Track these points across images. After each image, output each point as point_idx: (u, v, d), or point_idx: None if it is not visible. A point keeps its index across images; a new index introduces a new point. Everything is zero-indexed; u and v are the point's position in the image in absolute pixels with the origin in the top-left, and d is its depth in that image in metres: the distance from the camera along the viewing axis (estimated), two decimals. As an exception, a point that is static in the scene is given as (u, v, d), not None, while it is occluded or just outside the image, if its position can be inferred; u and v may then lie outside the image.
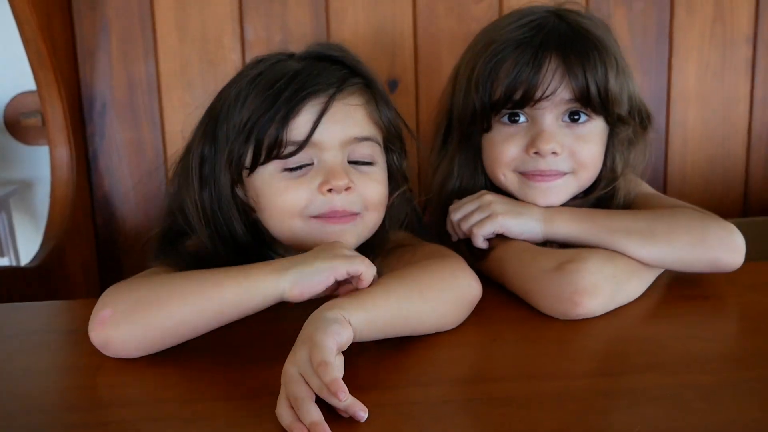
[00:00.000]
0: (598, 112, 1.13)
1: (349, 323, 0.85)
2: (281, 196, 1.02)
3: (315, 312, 0.86)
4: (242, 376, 0.89)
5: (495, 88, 1.12)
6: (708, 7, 1.64)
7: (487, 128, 1.15)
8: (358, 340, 0.87)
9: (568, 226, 1.10)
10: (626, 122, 1.16)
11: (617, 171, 1.18)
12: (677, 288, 1.11)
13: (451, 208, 1.17)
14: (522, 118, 1.13)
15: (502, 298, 1.08)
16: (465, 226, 1.14)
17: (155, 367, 0.92)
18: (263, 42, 1.59)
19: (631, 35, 1.61)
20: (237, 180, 1.05)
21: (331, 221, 1.02)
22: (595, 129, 1.14)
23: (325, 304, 0.88)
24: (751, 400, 0.81)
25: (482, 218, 1.12)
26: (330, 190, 1.00)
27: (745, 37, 1.65)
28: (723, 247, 1.06)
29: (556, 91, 1.10)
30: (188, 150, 1.08)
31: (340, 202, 1.01)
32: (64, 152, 1.51)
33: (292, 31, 1.59)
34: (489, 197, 1.14)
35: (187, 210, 1.06)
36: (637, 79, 1.24)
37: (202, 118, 1.09)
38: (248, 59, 1.58)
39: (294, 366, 0.80)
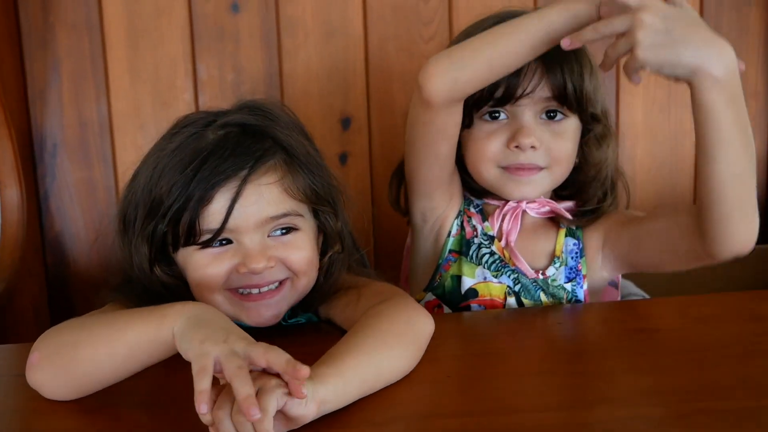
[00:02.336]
0: (573, 110, 1.19)
1: (318, 401, 0.82)
2: (200, 271, 1.02)
3: None
4: (191, 424, 0.87)
5: None
6: (653, 45, 1.67)
7: (469, 124, 1.20)
8: (332, 409, 0.85)
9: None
10: (599, 120, 1.22)
11: (601, 166, 1.24)
12: (627, 321, 1.12)
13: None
14: (502, 116, 1.19)
15: (455, 333, 1.09)
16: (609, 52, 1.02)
17: (102, 410, 0.91)
18: (216, 81, 1.59)
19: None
20: (159, 257, 1.04)
21: (250, 299, 1.04)
22: (570, 126, 1.20)
23: None
24: None
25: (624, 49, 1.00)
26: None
27: (690, 73, 1.69)
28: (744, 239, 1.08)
29: (536, 90, 1.16)
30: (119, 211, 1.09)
31: (258, 278, 1.02)
32: (14, 193, 1.49)
33: (244, 70, 1.60)
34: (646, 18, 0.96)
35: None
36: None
37: (129, 181, 1.08)
38: (201, 99, 1.59)
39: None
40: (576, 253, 1.26)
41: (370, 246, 1.66)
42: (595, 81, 1.20)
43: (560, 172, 1.22)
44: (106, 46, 1.57)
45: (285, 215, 1.03)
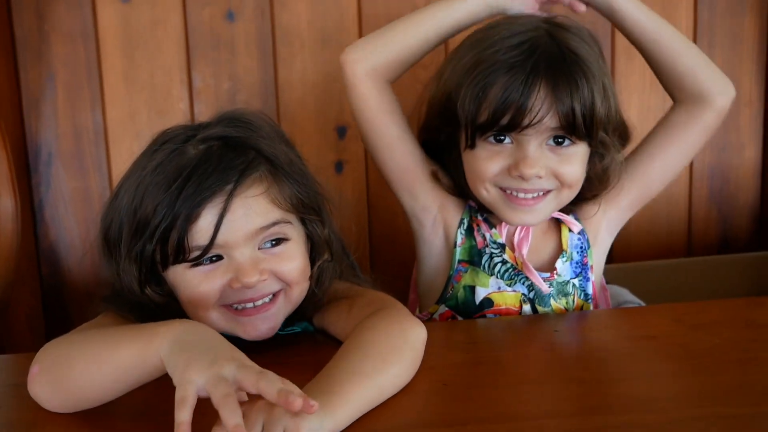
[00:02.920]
0: (582, 138, 1.14)
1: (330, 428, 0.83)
2: (193, 289, 1.01)
3: None
4: None
5: (482, 110, 1.13)
6: (648, 53, 1.68)
7: (472, 146, 1.16)
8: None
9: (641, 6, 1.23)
10: (607, 147, 1.19)
11: (607, 180, 1.23)
12: (624, 328, 1.12)
13: None
14: (507, 140, 1.15)
15: (451, 341, 1.09)
16: None
17: (98, 420, 0.90)
18: (211, 90, 1.59)
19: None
20: (149, 277, 1.02)
21: (245, 314, 1.03)
22: (578, 151, 1.16)
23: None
24: (697, 438, 0.83)
25: None
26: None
27: (684, 81, 1.70)
28: (717, 81, 1.24)
29: (543, 120, 1.11)
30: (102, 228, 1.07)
31: (253, 292, 1.01)
32: (9, 203, 1.49)
33: (240, 79, 1.60)
34: None
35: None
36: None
37: (109, 201, 1.06)
38: (196, 108, 1.59)
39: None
40: (581, 247, 1.26)
41: (366, 253, 1.67)
42: (608, 102, 1.16)
43: (568, 195, 1.18)
44: (101, 55, 1.57)
45: (274, 224, 1.02)
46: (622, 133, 1.23)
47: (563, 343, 1.11)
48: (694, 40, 1.68)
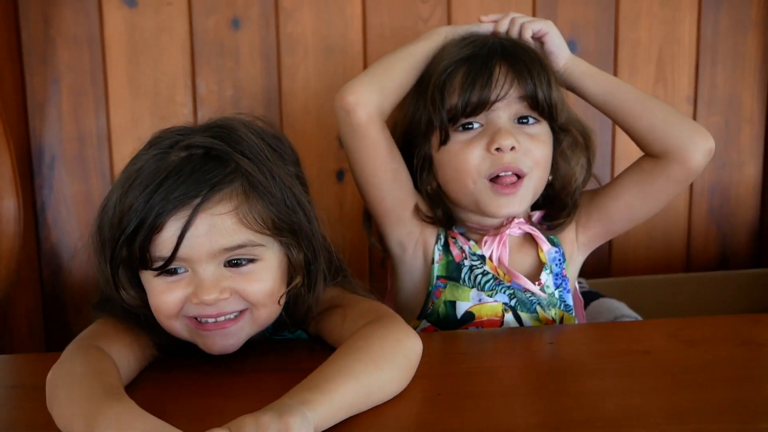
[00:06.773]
0: (544, 114, 1.21)
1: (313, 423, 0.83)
2: (157, 297, 1.00)
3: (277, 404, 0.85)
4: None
5: (450, 97, 1.19)
6: (650, 68, 1.69)
7: (445, 140, 1.21)
8: (322, 429, 0.86)
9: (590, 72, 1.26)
10: (567, 130, 1.25)
11: (570, 179, 1.26)
12: (618, 342, 1.13)
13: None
14: (476, 125, 1.20)
15: (445, 352, 1.09)
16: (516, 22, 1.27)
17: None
18: (215, 97, 1.60)
19: (575, 95, 1.65)
20: (127, 279, 1.02)
21: (207, 328, 1.01)
22: (543, 130, 1.22)
23: (288, 395, 0.86)
24: (687, 454, 0.83)
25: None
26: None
27: (686, 97, 1.71)
28: (688, 138, 1.20)
29: (509, 92, 1.18)
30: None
31: (212, 309, 0.99)
32: (11, 204, 1.50)
33: (243, 87, 1.61)
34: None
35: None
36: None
37: (104, 200, 1.06)
38: (200, 114, 1.60)
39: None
40: (558, 259, 1.28)
41: (365, 261, 1.67)
42: (559, 92, 1.23)
43: (539, 177, 1.22)
44: (106, 60, 1.58)
45: (240, 246, 0.99)
46: (581, 130, 1.27)
47: (556, 355, 1.11)
48: (697, 58, 1.69)
